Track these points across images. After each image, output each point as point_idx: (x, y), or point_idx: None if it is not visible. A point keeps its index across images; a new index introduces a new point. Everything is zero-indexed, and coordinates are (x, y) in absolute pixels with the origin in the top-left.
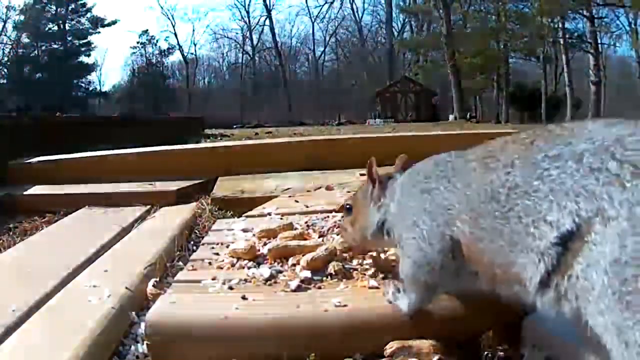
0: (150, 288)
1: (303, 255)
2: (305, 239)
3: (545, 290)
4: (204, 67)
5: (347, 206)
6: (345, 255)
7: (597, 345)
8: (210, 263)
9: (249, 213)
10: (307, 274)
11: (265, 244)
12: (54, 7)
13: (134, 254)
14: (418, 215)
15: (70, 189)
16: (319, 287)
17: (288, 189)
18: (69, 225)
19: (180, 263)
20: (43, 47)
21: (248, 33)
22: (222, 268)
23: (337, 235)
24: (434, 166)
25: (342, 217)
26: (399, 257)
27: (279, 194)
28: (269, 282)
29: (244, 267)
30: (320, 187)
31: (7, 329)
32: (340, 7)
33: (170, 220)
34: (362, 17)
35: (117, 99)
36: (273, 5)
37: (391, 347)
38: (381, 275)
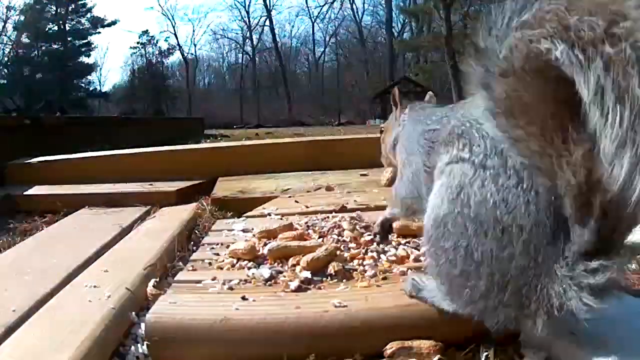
0: (150, 288)
1: (303, 256)
2: (305, 240)
3: None
4: (204, 68)
5: (382, 128)
6: (345, 255)
7: (597, 345)
8: (210, 263)
9: (249, 213)
10: (307, 274)
11: (265, 244)
12: (54, 7)
13: (134, 254)
14: (412, 150)
15: (70, 189)
16: (319, 288)
17: (288, 189)
18: (69, 225)
19: (180, 263)
20: (43, 47)
21: (248, 33)
22: (222, 268)
23: (337, 235)
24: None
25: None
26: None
27: (279, 194)
28: (269, 283)
29: (244, 268)
30: (320, 188)
31: (7, 329)
32: (340, 8)
33: (170, 220)
34: (362, 17)
35: (117, 99)
36: (273, 5)
37: (391, 347)
38: (382, 276)
